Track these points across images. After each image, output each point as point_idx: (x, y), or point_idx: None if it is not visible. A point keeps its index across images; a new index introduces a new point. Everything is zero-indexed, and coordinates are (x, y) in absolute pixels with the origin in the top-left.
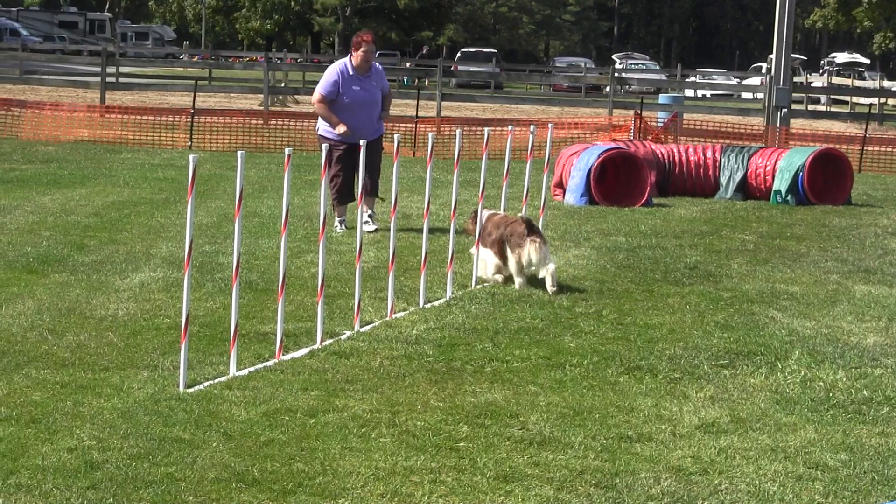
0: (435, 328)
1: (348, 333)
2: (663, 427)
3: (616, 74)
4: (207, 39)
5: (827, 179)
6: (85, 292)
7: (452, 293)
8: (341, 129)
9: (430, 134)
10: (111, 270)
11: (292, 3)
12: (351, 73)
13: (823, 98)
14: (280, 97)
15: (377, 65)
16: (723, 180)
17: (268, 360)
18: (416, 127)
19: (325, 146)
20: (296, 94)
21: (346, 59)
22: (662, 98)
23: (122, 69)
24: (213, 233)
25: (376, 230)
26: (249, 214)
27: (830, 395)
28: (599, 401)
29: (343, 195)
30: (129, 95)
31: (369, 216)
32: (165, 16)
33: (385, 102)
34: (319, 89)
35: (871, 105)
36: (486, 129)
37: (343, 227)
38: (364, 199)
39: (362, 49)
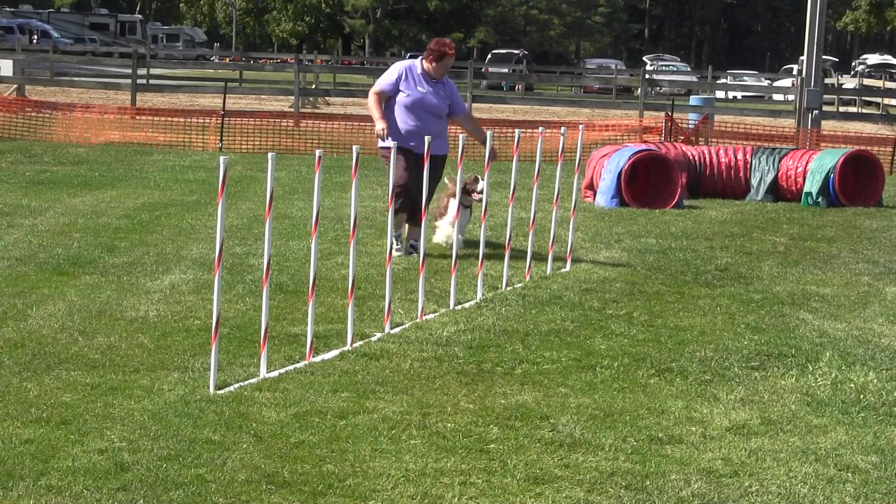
0: (465, 330)
1: (378, 335)
2: (694, 429)
3: (647, 76)
4: (238, 41)
5: (858, 181)
6: (115, 294)
7: (483, 295)
8: (380, 125)
9: (460, 136)
10: (142, 272)
11: (323, 5)
12: (420, 71)
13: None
14: (311, 99)
15: (450, 80)
16: (754, 182)
17: (298, 362)
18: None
19: (391, 164)
20: (326, 95)
21: (418, 60)
22: (693, 100)
23: (153, 71)
24: (244, 234)
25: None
26: (280, 216)
27: (861, 396)
28: (630, 403)
29: (406, 207)
30: (159, 97)
31: (412, 246)
32: (196, 17)
33: (468, 124)
34: (378, 82)
35: None
36: (516, 130)
37: (399, 244)
38: (410, 228)
39: (443, 62)
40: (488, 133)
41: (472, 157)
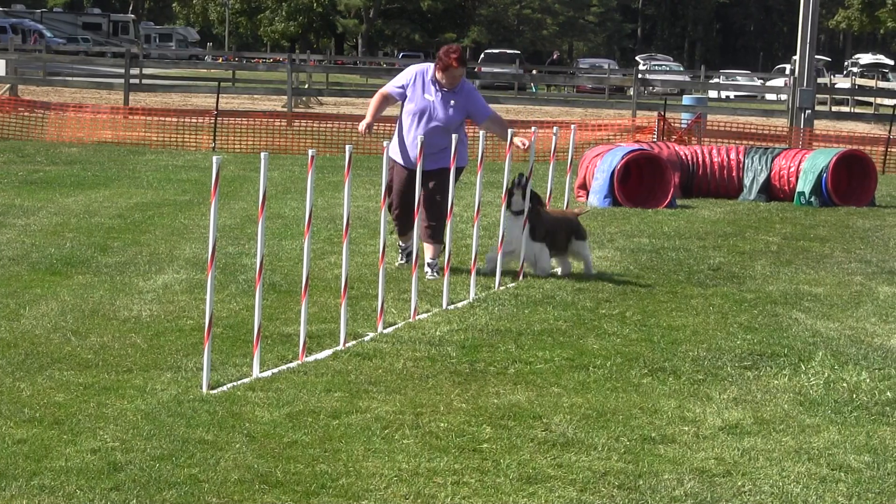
0: (458, 329)
1: (371, 335)
2: (686, 428)
3: (639, 76)
4: (231, 41)
5: (851, 181)
6: (108, 294)
7: (476, 294)
8: (362, 124)
9: (453, 136)
10: (134, 272)
11: (315, 5)
12: (430, 77)
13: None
14: (303, 99)
15: (469, 84)
16: (746, 182)
17: (291, 362)
18: None
19: (384, 172)
20: (319, 95)
21: (432, 65)
22: (686, 99)
23: (146, 71)
24: (237, 234)
25: (435, 278)
26: (273, 216)
27: (854, 396)
28: (623, 402)
29: (402, 224)
30: (152, 97)
31: (430, 265)
32: (189, 17)
33: (494, 127)
34: (388, 83)
35: (894, 106)
36: (509, 130)
37: (403, 258)
38: (426, 244)
39: (448, 73)
40: (510, 131)
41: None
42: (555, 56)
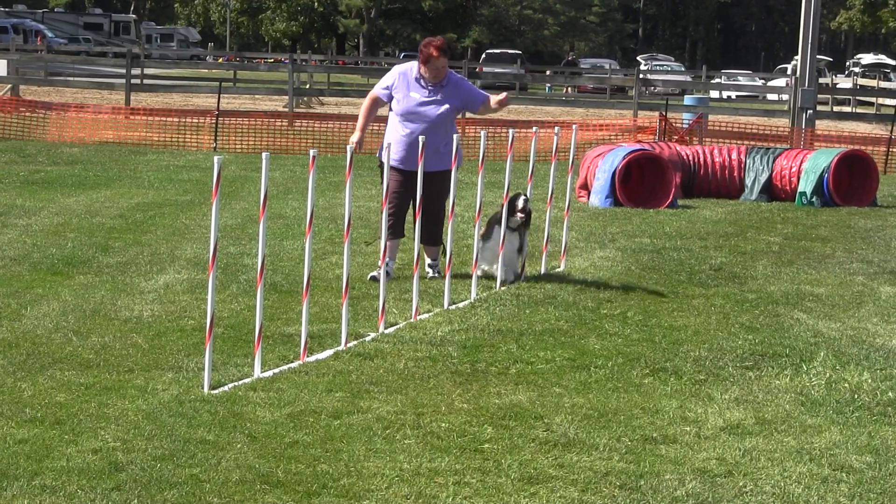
0: (459, 329)
1: (373, 335)
2: (688, 429)
3: (641, 76)
4: (232, 41)
5: (852, 181)
6: (110, 294)
7: (477, 294)
8: (353, 137)
9: (454, 136)
10: (136, 272)
11: (317, 5)
12: (415, 75)
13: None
14: (305, 99)
15: (455, 75)
16: (748, 182)
17: (292, 362)
18: None
19: (385, 174)
20: (320, 95)
21: (415, 62)
22: (687, 99)
23: (147, 71)
24: (238, 234)
25: (436, 277)
26: (274, 216)
27: (855, 396)
28: (624, 402)
29: (394, 228)
30: (153, 97)
31: (430, 266)
32: (190, 17)
33: (483, 109)
34: (375, 86)
35: None
36: (510, 130)
37: (381, 272)
38: (425, 246)
39: (430, 64)
40: (492, 97)
41: (466, 156)
42: (570, 57)
